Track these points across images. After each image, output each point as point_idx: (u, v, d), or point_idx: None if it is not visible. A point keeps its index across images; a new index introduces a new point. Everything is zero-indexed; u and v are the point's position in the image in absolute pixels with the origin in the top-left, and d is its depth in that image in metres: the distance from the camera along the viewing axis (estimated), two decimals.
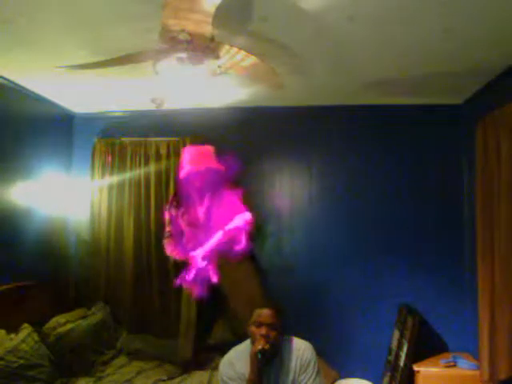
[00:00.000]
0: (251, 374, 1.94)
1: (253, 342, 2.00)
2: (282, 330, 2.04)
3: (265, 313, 2.01)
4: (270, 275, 3.35)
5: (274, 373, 2.01)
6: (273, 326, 1.98)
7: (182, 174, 2.74)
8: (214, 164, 2.75)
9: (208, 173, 2.74)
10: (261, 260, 3.30)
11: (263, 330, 1.97)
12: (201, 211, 2.82)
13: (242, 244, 2.69)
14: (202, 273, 2.64)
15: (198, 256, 2.66)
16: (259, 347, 1.93)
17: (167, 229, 2.93)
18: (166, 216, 2.95)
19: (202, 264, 2.64)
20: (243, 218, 2.71)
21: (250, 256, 2.96)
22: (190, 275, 2.63)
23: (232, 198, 2.83)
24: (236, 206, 2.80)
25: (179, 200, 2.90)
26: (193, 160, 2.76)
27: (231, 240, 2.69)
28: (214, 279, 2.65)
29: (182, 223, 2.87)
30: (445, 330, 3.29)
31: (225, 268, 2.74)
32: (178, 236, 2.89)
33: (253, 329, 2.01)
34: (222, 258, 2.70)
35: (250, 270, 2.98)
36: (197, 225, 2.82)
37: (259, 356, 1.92)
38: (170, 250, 2.89)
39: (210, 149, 2.81)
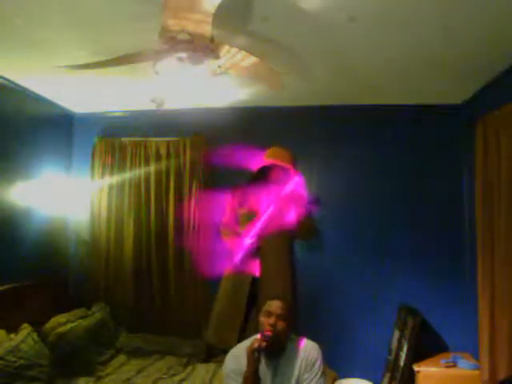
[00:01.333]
0: (248, 369, 1.96)
1: (260, 332, 2.03)
2: (291, 324, 2.07)
3: (275, 303, 2.05)
4: None
5: (276, 368, 2.03)
6: (282, 317, 2.01)
7: (260, 164, 2.90)
8: (290, 166, 2.89)
9: (283, 171, 2.88)
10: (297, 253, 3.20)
11: (272, 320, 2.00)
12: (264, 203, 2.92)
13: (292, 215, 2.83)
14: (248, 252, 2.79)
15: (247, 237, 2.80)
16: (256, 345, 1.95)
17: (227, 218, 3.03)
18: (229, 206, 3.04)
19: (248, 241, 2.78)
20: (294, 182, 2.80)
21: (290, 245, 2.98)
22: (238, 257, 2.76)
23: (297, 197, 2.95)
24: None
25: (245, 193, 2.99)
26: (275, 156, 2.91)
27: (282, 212, 2.81)
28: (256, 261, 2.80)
29: (240, 211, 2.96)
30: (445, 330, 3.29)
31: (264, 254, 2.84)
32: (232, 224, 3.00)
33: (262, 319, 2.05)
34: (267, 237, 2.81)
35: (286, 260, 2.94)
36: (256, 215, 2.89)
37: (256, 354, 1.95)
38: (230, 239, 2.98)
39: (290, 153, 2.96)
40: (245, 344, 2.11)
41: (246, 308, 2.84)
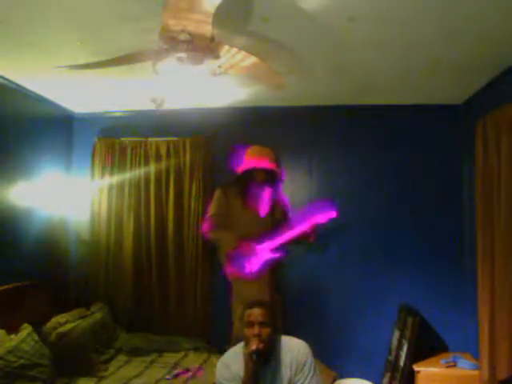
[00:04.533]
0: (246, 375, 1.94)
1: (246, 343, 2.00)
2: (274, 327, 2.04)
3: (255, 312, 2.01)
4: None
5: (269, 373, 2.00)
6: (264, 324, 1.98)
7: (243, 167, 2.87)
8: (275, 166, 2.89)
9: (268, 171, 2.86)
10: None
11: (255, 330, 1.96)
12: (264, 208, 2.91)
13: (312, 239, 2.83)
14: (268, 263, 2.75)
15: (266, 248, 2.74)
16: (253, 347, 1.92)
17: (214, 220, 2.92)
18: (214, 207, 2.95)
19: (272, 255, 2.74)
20: (328, 215, 2.76)
21: (276, 267, 2.93)
22: (256, 266, 2.71)
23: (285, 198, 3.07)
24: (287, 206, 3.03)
25: (236, 193, 2.92)
26: (258, 158, 2.87)
27: (305, 235, 2.80)
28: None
29: (238, 217, 2.89)
30: (445, 330, 3.29)
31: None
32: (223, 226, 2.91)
33: (245, 330, 2.01)
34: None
35: (275, 272, 2.95)
36: (260, 221, 2.88)
37: (254, 357, 1.92)
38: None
39: (271, 151, 2.94)
40: (234, 351, 2.09)
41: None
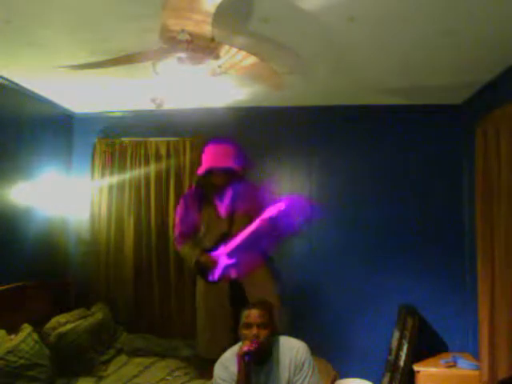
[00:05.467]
0: (239, 375, 1.93)
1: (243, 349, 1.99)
2: (274, 328, 2.03)
3: (253, 313, 2.01)
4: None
5: (267, 373, 2.00)
6: (262, 325, 1.98)
7: (200, 170, 2.74)
8: (232, 163, 2.70)
9: (227, 171, 2.71)
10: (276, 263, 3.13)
11: (253, 331, 1.96)
12: (222, 208, 2.79)
13: (275, 235, 2.64)
14: (230, 269, 2.62)
15: (222, 253, 2.62)
16: (245, 349, 1.92)
17: (178, 229, 2.86)
18: (178, 215, 2.88)
19: (228, 261, 2.60)
20: (276, 208, 2.58)
21: (268, 257, 2.87)
22: (216, 274, 2.60)
23: (254, 194, 2.82)
24: (260, 202, 2.75)
25: (197, 197, 2.84)
26: (212, 157, 2.73)
27: (263, 232, 2.59)
28: (240, 273, 2.63)
29: (200, 220, 2.79)
30: (445, 330, 3.29)
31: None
32: (191, 234, 2.84)
33: (243, 331, 2.00)
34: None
35: (266, 272, 2.85)
36: (218, 222, 2.77)
37: (246, 358, 1.91)
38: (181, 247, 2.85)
39: (230, 147, 2.77)
40: (232, 351, 2.08)
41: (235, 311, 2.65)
